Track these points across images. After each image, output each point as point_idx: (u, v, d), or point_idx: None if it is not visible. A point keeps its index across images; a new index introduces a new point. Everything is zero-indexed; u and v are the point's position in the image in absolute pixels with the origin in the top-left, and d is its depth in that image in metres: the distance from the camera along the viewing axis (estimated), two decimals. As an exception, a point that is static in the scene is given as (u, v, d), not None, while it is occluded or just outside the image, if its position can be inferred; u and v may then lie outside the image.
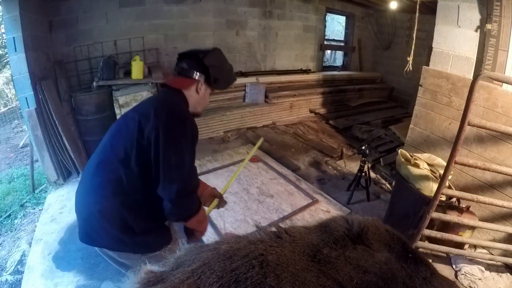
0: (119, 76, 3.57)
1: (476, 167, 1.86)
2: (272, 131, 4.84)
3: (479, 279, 2.15)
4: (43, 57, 3.29)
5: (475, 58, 2.52)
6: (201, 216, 1.36)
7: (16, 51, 2.79)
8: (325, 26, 6.40)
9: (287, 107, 5.26)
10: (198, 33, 4.78)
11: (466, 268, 2.21)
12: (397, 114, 5.46)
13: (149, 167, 1.21)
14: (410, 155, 2.39)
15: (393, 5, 4.93)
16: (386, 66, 6.65)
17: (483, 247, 2.41)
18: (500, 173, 1.90)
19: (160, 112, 1.23)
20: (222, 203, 1.64)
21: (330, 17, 6.95)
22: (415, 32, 3.03)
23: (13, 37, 2.76)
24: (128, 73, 3.63)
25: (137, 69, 3.57)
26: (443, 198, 2.21)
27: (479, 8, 2.42)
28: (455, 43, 2.61)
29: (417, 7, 3.17)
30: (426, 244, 2.16)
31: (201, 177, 1.45)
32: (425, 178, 2.25)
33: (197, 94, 1.39)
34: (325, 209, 2.80)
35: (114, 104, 3.47)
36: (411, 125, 3.04)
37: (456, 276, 2.21)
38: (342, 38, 7.11)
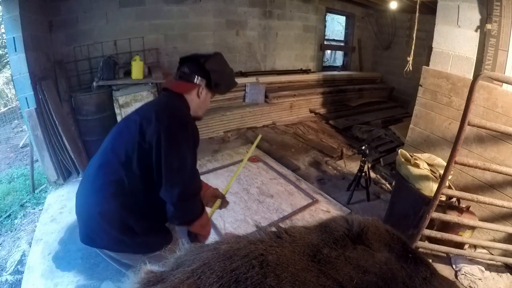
0: (119, 76, 3.56)
1: (476, 167, 1.86)
2: (272, 131, 4.84)
3: (479, 279, 2.15)
4: (43, 57, 3.29)
5: (475, 58, 2.52)
6: (204, 220, 1.36)
7: (16, 51, 2.79)
8: (325, 26, 6.39)
9: (287, 107, 5.25)
10: (198, 33, 4.78)
11: (466, 268, 2.21)
12: (397, 114, 5.46)
13: (151, 170, 1.22)
14: (410, 155, 2.39)
15: (393, 5, 4.93)
16: (386, 66, 6.65)
17: (483, 247, 2.41)
18: (500, 173, 1.90)
19: (162, 116, 1.24)
20: (224, 203, 1.65)
21: (330, 17, 6.94)
22: (415, 32, 3.03)
23: (13, 37, 2.76)
24: (128, 73, 3.63)
25: (137, 69, 3.57)
26: (443, 198, 2.21)
27: (479, 8, 2.42)
28: (455, 43, 2.61)
29: (417, 7, 3.17)
30: (426, 244, 2.16)
31: (201, 177, 1.45)
32: (425, 178, 2.25)
33: (198, 98, 1.40)
34: (325, 209, 2.80)
35: (114, 104, 3.46)
36: (411, 125, 3.04)
37: (456, 276, 2.21)
38: (342, 38, 7.11)
